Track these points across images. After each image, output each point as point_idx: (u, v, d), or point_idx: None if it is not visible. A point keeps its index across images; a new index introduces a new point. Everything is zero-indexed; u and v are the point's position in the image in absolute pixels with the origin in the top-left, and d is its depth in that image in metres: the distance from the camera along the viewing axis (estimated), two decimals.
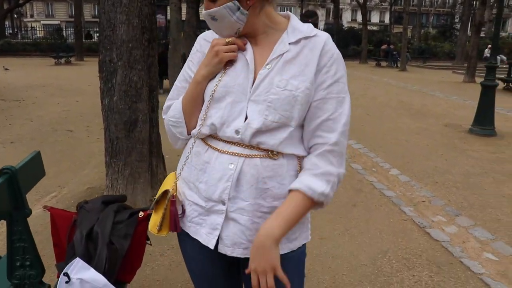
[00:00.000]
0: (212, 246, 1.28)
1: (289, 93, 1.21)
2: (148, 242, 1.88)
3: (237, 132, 1.22)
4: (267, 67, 1.24)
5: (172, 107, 1.40)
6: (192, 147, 1.34)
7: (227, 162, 1.23)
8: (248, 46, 1.28)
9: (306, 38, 1.27)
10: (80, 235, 1.71)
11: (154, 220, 1.38)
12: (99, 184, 4.51)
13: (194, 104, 1.34)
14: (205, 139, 1.31)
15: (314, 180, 1.21)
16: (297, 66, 1.24)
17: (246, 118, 1.23)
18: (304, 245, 1.39)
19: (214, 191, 1.25)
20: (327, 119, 1.24)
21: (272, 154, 1.24)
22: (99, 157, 5.36)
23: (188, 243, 1.37)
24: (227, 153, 1.24)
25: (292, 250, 1.32)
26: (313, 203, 1.23)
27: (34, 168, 2.02)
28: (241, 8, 1.21)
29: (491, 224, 3.90)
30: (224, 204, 1.24)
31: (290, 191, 1.23)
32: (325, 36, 1.31)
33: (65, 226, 1.80)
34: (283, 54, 1.24)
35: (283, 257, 1.22)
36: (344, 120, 1.24)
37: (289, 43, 1.26)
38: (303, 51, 1.26)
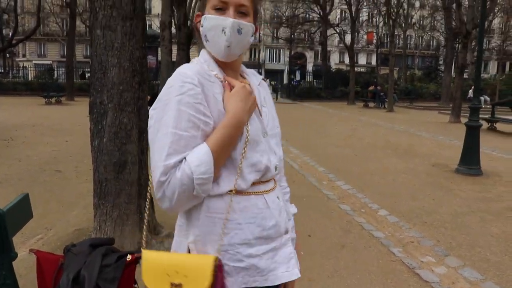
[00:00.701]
0: (297, 275, 1.35)
1: (278, 123, 1.46)
2: (136, 286, 1.86)
3: (275, 168, 1.35)
4: (264, 105, 1.40)
5: (195, 161, 1.14)
6: (229, 205, 1.23)
7: (275, 198, 1.33)
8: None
9: (261, 81, 1.46)
10: (66, 279, 1.69)
11: None
12: (87, 226, 4.46)
13: (228, 152, 1.22)
14: (242, 190, 1.26)
15: (293, 206, 1.57)
16: (269, 102, 1.45)
17: (275, 153, 1.37)
18: None
19: (281, 227, 1.32)
20: None
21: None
22: (88, 198, 5.32)
23: None
24: (269, 191, 1.32)
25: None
26: None
27: (22, 211, 2.02)
28: (253, 35, 1.33)
29: (480, 264, 3.91)
30: (287, 232, 1.36)
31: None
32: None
33: (51, 270, 1.78)
34: (261, 94, 1.42)
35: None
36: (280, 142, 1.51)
37: (257, 85, 1.43)
38: (265, 91, 1.46)
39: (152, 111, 1.23)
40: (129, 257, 1.80)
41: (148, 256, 1.22)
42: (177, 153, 1.15)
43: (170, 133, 1.16)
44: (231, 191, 1.23)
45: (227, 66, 1.33)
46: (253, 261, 1.24)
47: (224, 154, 1.20)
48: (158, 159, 1.15)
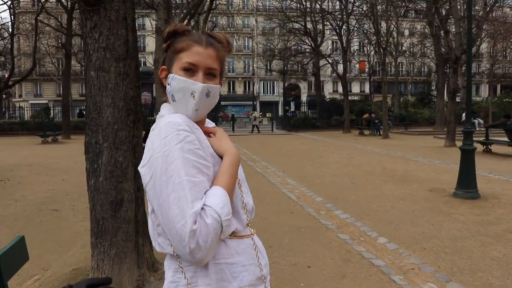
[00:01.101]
0: None
1: None
2: None
3: (253, 209, 1.39)
4: None
5: (219, 204, 1.15)
6: (237, 247, 1.27)
7: (257, 239, 1.36)
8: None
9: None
10: None
11: None
12: (85, 265, 4.42)
13: (233, 192, 1.27)
14: (238, 234, 1.30)
15: None
16: None
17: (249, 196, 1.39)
18: None
19: (267, 265, 1.36)
20: None
21: None
22: (85, 237, 5.29)
23: None
24: (251, 234, 1.34)
25: None
26: None
27: (18, 253, 2.02)
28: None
29: None
30: (266, 278, 1.34)
31: None
32: None
33: None
34: None
35: None
36: None
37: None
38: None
39: (145, 168, 1.21)
40: None
41: None
42: (197, 200, 1.14)
43: (185, 180, 1.14)
44: (230, 235, 1.25)
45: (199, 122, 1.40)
46: None
47: (232, 194, 1.23)
48: (186, 208, 1.12)
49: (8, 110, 43.28)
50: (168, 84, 1.30)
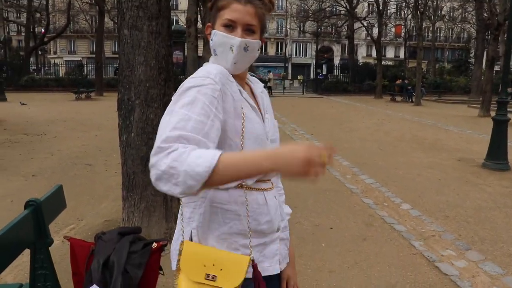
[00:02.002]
0: (278, 270, 1.46)
1: (278, 130, 1.55)
2: (161, 272, 1.99)
3: None
4: (266, 112, 1.49)
5: (195, 157, 1.05)
6: (237, 198, 1.34)
7: (272, 197, 1.43)
8: (248, 96, 1.42)
9: (263, 88, 1.57)
10: (97, 263, 1.84)
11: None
12: (116, 217, 4.66)
13: (233, 179, 1.15)
14: (246, 185, 1.36)
15: (287, 208, 1.64)
16: (270, 109, 1.55)
17: None
18: None
19: (274, 224, 1.42)
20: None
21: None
22: (117, 191, 5.52)
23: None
24: (268, 190, 1.43)
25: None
26: None
27: (57, 201, 2.17)
28: (259, 49, 1.43)
29: (502, 259, 3.90)
30: (278, 230, 1.45)
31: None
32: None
33: (83, 255, 1.93)
34: (264, 101, 1.52)
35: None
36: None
37: (260, 92, 1.53)
38: (266, 98, 1.56)
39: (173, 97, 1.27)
40: (154, 244, 1.94)
41: (189, 246, 1.30)
42: (183, 130, 1.11)
43: (181, 113, 1.15)
44: (238, 185, 1.32)
45: (237, 76, 1.43)
46: (247, 251, 1.34)
47: (227, 178, 1.09)
48: (163, 130, 1.13)
49: (43, 67, 44.24)
50: (211, 40, 1.38)
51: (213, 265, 1.24)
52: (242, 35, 1.33)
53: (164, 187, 1.08)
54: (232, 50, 1.33)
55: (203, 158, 1.04)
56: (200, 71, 1.31)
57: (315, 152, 1.06)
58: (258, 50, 1.41)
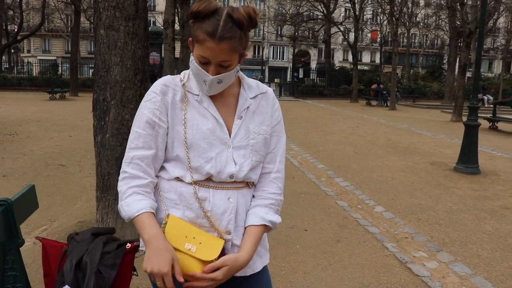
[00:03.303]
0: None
1: (262, 137, 1.51)
2: (135, 273, 1.98)
3: (231, 177, 1.45)
4: (239, 118, 1.50)
5: (126, 204, 1.39)
6: (176, 189, 1.45)
7: (225, 197, 1.45)
8: (210, 103, 1.47)
9: (261, 93, 1.56)
10: (70, 264, 1.82)
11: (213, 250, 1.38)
12: (90, 218, 4.59)
13: None
14: (180, 178, 1.46)
15: (272, 213, 1.52)
16: (260, 114, 1.54)
17: (235, 163, 1.46)
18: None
19: (219, 223, 1.43)
20: (269, 152, 1.55)
21: (250, 184, 1.53)
22: (91, 192, 5.46)
23: None
24: (223, 188, 1.45)
25: (264, 265, 1.59)
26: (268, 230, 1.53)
27: (28, 201, 2.14)
28: (238, 68, 1.47)
29: (471, 260, 4.01)
30: (230, 234, 1.45)
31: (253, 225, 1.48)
32: (271, 91, 1.61)
33: (55, 256, 1.91)
34: (248, 106, 1.52)
35: (262, 271, 1.56)
36: (281, 152, 1.59)
37: (250, 98, 1.53)
38: (261, 103, 1.56)
39: None
40: (128, 245, 1.93)
41: (174, 219, 1.41)
42: (137, 148, 1.42)
43: (134, 131, 1.45)
44: (177, 177, 1.45)
45: None
46: None
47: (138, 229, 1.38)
48: (127, 147, 1.45)
49: (16, 65, 43.26)
50: (190, 61, 1.45)
51: (194, 238, 1.37)
52: (215, 71, 1.39)
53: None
54: (205, 84, 1.41)
55: (129, 208, 1.37)
56: (153, 85, 1.50)
57: (155, 273, 1.28)
58: (233, 77, 1.45)
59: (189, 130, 1.42)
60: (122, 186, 1.42)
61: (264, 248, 1.59)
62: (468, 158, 7.72)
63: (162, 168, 1.49)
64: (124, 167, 1.43)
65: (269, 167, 1.55)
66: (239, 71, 1.51)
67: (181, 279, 1.29)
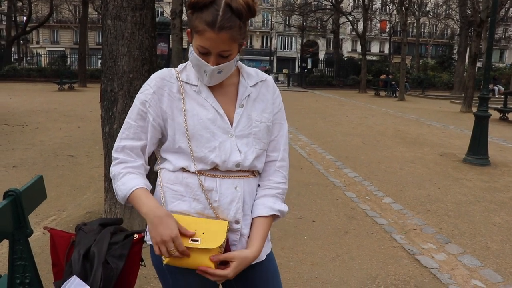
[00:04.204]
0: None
1: (265, 125, 1.50)
2: (142, 263, 1.98)
3: (237, 165, 1.44)
4: (241, 106, 1.48)
5: (121, 183, 1.41)
6: (182, 180, 1.44)
7: (232, 186, 1.44)
8: (209, 93, 1.46)
9: (261, 81, 1.55)
10: (77, 254, 1.82)
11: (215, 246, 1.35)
12: (98, 209, 4.62)
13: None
14: (184, 168, 1.45)
15: (280, 203, 1.54)
16: (261, 102, 1.53)
17: (239, 151, 1.44)
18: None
19: (227, 213, 1.42)
20: (272, 140, 1.54)
21: (256, 173, 1.52)
22: (99, 183, 5.49)
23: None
24: (229, 177, 1.44)
25: (267, 254, 1.57)
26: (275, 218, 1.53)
27: (37, 191, 2.14)
28: (238, 57, 1.45)
29: (480, 252, 3.98)
30: (238, 223, 1.44)
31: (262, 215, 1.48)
32: (271, 78, 1.60)
33: (63, 246, 1.91)
34: (249, 95, 1.51)
35: (268, 258, 1.55)
36: (284, 140, 1.58)
37: (250, 86, 1.52)
38: (261, 91, 1.55)
39: None
40: (136, 236, 1.92)
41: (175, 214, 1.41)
42: (127, 139, 1.46)
43: (126, 122, 1.48)
44: (182, 168, 1.44)
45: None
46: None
47: (135, 205, 1.41)
48: (119, 135, 1.49)
49: (25, 56, 43.45)
50: (189, 52, 1.43)
51: (195, 230, 1.35)
52: (215, 61, 1.37)
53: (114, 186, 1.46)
54: (206, 74, 1.40)
55: (124, 186, 1.40)
56: (149, 78, 1.51)
57: (164, 241, 1.30)
58: (237, 60, 1.45)
59: (190, 120, 1.42)
60: (115, 170, 1.45)
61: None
62: (478, 149, 7.64)
63: (166, 160, 1.49)
64: (115, 154, 1.47)
65: (273, 155, 1.55)
66: (239, 60, 1.50)
67: (191, 233, 1.33)
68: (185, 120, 1.42)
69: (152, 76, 1.48)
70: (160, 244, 1.31)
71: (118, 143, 1.47)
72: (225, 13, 1.31)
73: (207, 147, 1.41)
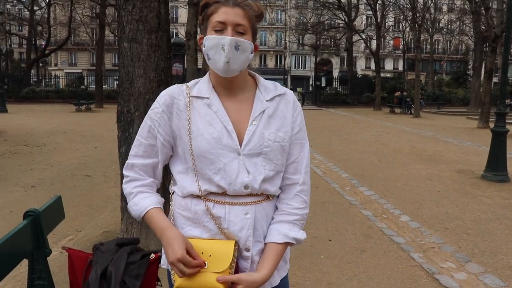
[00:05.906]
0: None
1: (278, 144, 1.41)
2: (159, 283, 1.99)
3: (246, 187, 1.38)
4: (253, 123, 1.41)
5: (134, 203, 1.45)
6: (191, 208, 1.42)
7: (242, 213, 1.39)
8: (220, 107, 1.42)
9: (279, 95, 1.48)
10: (95, 274, 1.84)
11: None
12: (115, 229, 4.65)
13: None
14: (204, 195, 1.40)
15: (297, 230, 1.45)
16: (278, 119, 1.44)
17: (248, 172, 1.38)
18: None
19: (238, 240, 1.39)
20: (292, 162, 1.46)
21: (271, 197, 1.45)
22: (116, 202, 5.53)
23: None
24: (239, 204, 1.39)
25: (282, 278, 1.51)
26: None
27: (55, 211, 2.18)
28: (253, 52, 1.42)
29: (502, 271, 3.89)
30: (248, 250, 1.40)
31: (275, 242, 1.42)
32: (291, 93, 1.53)
33: (81, 266, 1.93)
34: (264, 110, 1.43)
35: (282, 282, 1.50)
36: (306, 161, 1.49)
37: (266, 100, 1.45)
38: (279, 106, 1.47)
39: None
40: (152, 255, 1.94)
41: None
42: (137, 156, 1.47)
43: (137, 139, 1.49)
44: (191, 194, 1.42)
45: (224, 86, 1.44)
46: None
47: (150, 224, 1.43)
48: (128, 157, 1.50)
49: (44, 78, 44.42)
50: (204, 46, 1.39)
51: (202, 253, 1.33)
52: (232, 35, 1.35)
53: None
54: (223, 49, 1.34)
55: (137, 207, 1.43)
56: (159, 95, 1.50)
57: (171, 262, 1.31)
58: (252, 53, 1.41)
59: (194, 141, 1.38)
60: (127, 188, 1.48)
61: (284, 260, 1.51)
62: (496, 166, 7.53)
63: (177, 182, 1.48)
64: (125, 171, 1.48)
65: (294, 178, 1.46)
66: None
67: (200, 260, 1.31)
68: (190, 141, 1.39)
69: (162, 93, 1.49)
70: (171, 265, 1.32)
71: (128, 161, 1.49)
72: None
73: (211, 169, 1.37)
